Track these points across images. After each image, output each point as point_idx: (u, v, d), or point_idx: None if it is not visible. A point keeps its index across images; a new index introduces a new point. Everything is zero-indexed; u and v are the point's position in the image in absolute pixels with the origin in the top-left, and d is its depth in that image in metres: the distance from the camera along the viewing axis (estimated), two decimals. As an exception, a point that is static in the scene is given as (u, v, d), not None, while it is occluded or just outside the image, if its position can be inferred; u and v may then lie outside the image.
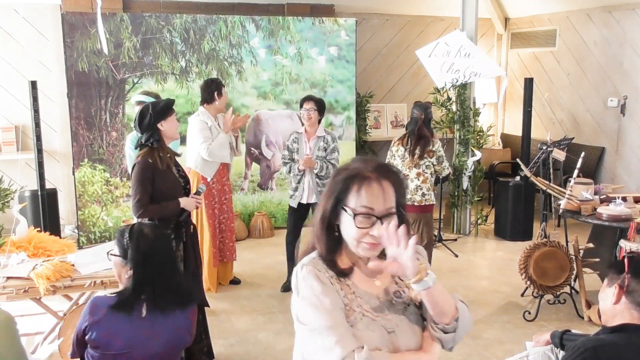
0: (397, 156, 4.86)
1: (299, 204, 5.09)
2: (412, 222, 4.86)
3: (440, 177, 5.07)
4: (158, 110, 3.47)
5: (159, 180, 3.43)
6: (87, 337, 2.35)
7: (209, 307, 3.78)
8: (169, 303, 2.41)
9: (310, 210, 5.18)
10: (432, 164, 4.79)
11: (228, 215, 5.28)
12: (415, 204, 4.79)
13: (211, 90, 5.01)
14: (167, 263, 2.46)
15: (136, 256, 2.42)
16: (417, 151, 4.75)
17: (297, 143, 5.03)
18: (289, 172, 5.06)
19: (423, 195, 4.78)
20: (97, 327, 2.34)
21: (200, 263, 3.73)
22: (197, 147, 4.87)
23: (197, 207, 3.77)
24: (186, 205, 3.57)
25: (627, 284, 2.18)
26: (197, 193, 3.73)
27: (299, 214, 5.18)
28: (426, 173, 4.77)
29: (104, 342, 2.33)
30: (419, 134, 4.77)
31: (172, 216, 3.54)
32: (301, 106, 5.05)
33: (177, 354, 2.47)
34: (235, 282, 5.46)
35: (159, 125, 3.47)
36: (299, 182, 5.05)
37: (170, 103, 3.58)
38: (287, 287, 5.30)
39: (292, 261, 5.46)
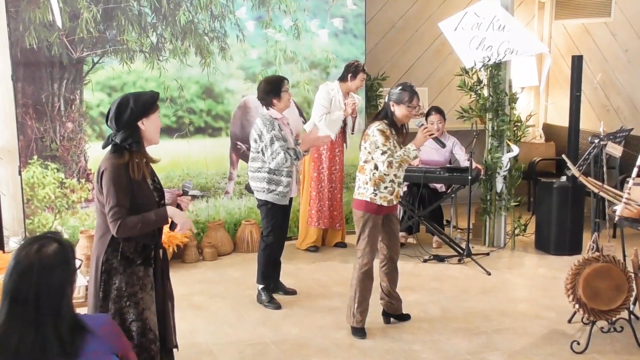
0: None
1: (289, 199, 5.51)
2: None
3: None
4: (140, 104, 3.38)
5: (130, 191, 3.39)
6: None
7: (177, 349, 3.72)
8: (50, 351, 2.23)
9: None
10: (366, 149, 4.72)
11: (336, 186, 6.80)
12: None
13: (348, 71, 6.55)
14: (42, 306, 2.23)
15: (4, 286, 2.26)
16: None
17: (282, 130, 5.29)
18: (297, 159, 5.31)
19: (358, 188, 4.79)
20: None
21: (171, 294, 3.68)
22: (317, 113, 6.51)
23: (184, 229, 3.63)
24: (175, 216, 3.45)
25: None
26: (184, 193, 3.69)
27: (287, 211, 5.55)
28: (360, 160, 4.79)
29: None
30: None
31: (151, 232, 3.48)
32: (282, 89, 5.30)
33: None
34: (341, 245, 6.96)
35: (139, 124, 3.39)
36: (290, 176, 5.36)
37: (155, 96, 3.51)
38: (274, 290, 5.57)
39: (277, 269, 5.63)
